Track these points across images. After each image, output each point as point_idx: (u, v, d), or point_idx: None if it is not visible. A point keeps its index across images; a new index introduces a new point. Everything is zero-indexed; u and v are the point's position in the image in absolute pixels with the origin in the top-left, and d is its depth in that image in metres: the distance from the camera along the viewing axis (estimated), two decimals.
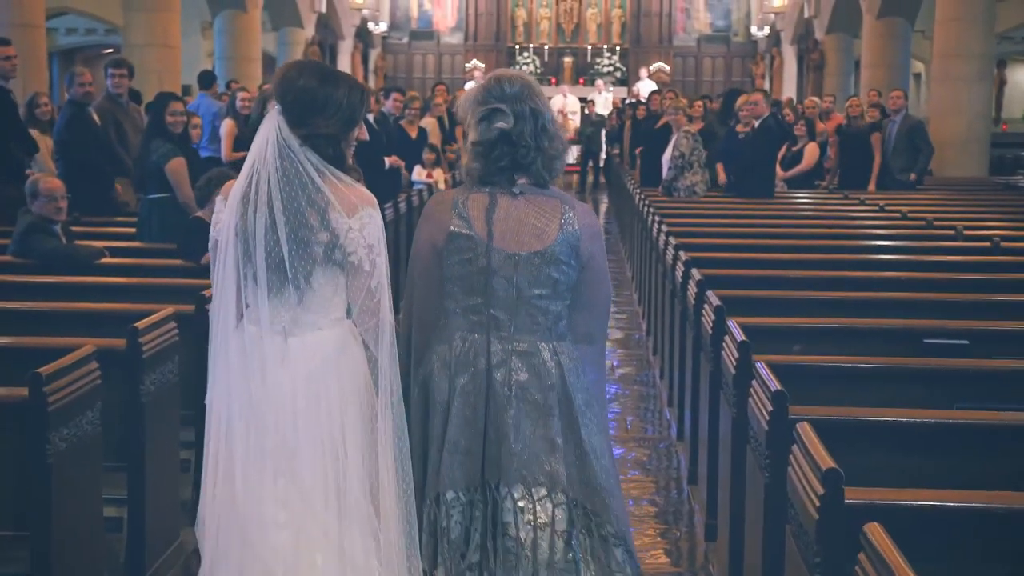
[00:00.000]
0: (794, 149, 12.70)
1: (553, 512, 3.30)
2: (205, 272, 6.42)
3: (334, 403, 3.24)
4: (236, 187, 3.31)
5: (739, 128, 11.40)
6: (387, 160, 10.94)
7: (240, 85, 14.75)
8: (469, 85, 25.03)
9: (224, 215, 3.31)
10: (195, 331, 5.22)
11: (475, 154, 3.42)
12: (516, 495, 3.29)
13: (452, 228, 3.40)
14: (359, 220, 3.25)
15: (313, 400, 3.23)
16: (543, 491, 3.30)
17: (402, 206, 10.29)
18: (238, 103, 11.74)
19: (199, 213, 6.84)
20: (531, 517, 3.28)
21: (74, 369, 4.02)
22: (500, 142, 3.38)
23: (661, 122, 13.41)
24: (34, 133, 9.55)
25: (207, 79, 13.83)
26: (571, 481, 3.33)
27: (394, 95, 12.21)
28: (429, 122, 13.13)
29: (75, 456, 3.98)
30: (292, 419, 3.22)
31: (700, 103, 13.79)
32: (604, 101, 26.24)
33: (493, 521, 3.29)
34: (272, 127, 3.25)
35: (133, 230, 7.93)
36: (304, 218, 3.21)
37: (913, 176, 12.86)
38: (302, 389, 3.23)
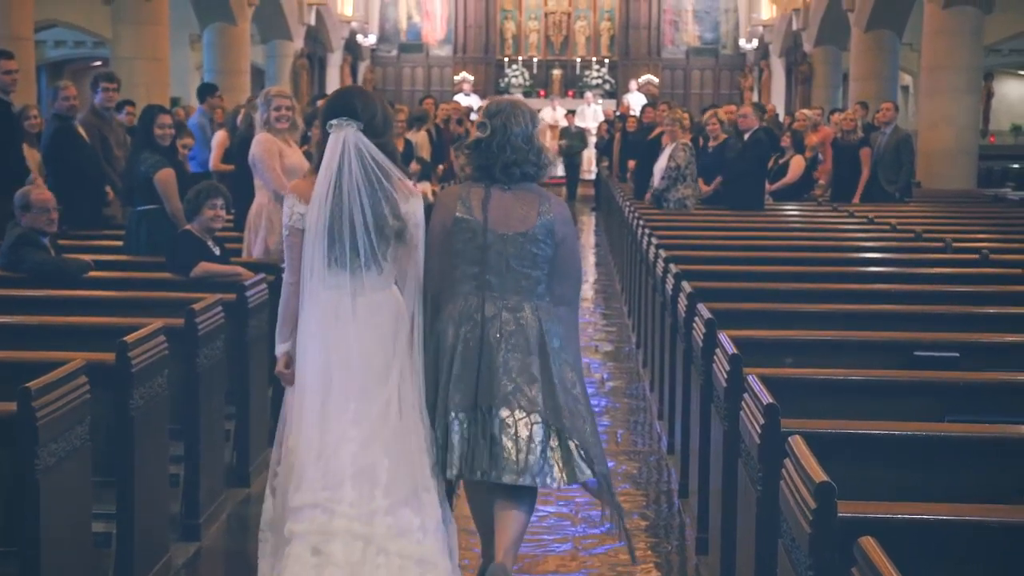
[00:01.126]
0: (780, 161, 12.72)
1: (531, 429, 4.26)
2: (194, 285, 6.41)
3: (390, 344, 4.28)
4: (318, 187, 4.26)
5: (711, 143, 11.50)
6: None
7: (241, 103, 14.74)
8: (459, 97, 25.06)
9: (310, 210, 4.27)
10: (184, 345, 5.21)
11: (468, 158, 4.53)
12: (503, 415, 4.25)
13: (457, 214, 4.42)
14: (411, 205, 4.33)
15: (377, 342, 4.27)
16: (523, 413, 4.26)
17: None
18: (238, 119, 11.71)
19: (188, 226, 6.82)
20: (514, 432, 4.25)
21: (63, 383, 4.00)
22: (476, 148, 4.48)
23: (655, 132, 13.42)
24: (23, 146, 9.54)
25: (211, 90, 13.83)
26: (545, 406, 4.28)
27: None
28: (419, 135, 13.10)
29: (64, 471, 3.96)
30: (361, 357, 4.23)
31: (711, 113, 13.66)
32: (593, 113, 26.26)
33: (485, 434, 4.25)
34: (351, 141, 4.25)
35: (121, 243, 7.91)
36: (380, 209, 4.24)
37: (897, 192, 12.89)
38: (368, 335, 4.26)
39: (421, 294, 4.39)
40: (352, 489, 4.15)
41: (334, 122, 4.31)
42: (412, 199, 4.34)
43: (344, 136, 4.26)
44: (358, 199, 4.22)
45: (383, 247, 4.27)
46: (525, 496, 4.39)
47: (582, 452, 4.30)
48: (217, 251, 6.83)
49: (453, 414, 4.28)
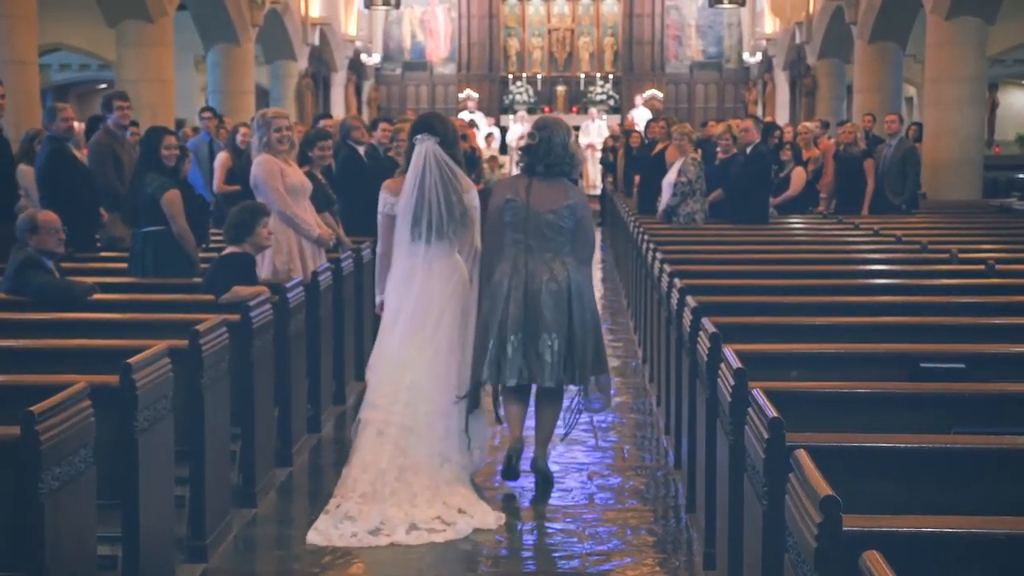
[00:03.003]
0: (781, 175, 12.72)
1: (560, 345, 6.10)
2: (204, 307, 6.41)
3: (445, 298, 6.07)
4: (407, 184, 6.06)
5: (719, 155, 11.48)
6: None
7: (241, 121, 14.76)
8: (463, 115, 25.11)
9: (400, 200, 6.09)
10: (189, 366, 5.21)
11: (521, 156, 6.45)
12: (545, 337, 6.09)
13: (508, 196, 6.24)
14: (470, 197, 6.16)
15: (436, 296, 6.06)
16: (555, 335, 6.10)
17: None
18: (238, 138, 11.74)
19: (236, 248, 6.85)
20: (551, 347, 6.09)
21: (67, 407, 4.00)
22: (527, 151, 6.33)
23: (659, 147, 13.40)
24: (28, 169, 9.56)
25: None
26: (569, 332, 6.12)
27: (382, 125, 12.20)
28: None
29: (68, 494, 3.96)
30: (434, 305, 6.05)
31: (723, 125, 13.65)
32: (598, 129, 26.29)
33: (532, 351, 6.09)
34: (431, 150, 6.03)
35: (124, 265, 7.91)
36: (450, 199, 6.02)
37: (903, 204, 12.89)
38: (438, 289, 6.07)
39: (477, 258, 6.26)
40: (406, 395, 5.96)
41: (418, 137, 6.08)
42: (471, 192, 6.18)
43: (426, 147, 6.05)
44: (435, 192, 6.00)
45: (451, 226, 6.05)
46: (555, 397, 6.33)
47: (588, 363, 6.18)
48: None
49: (512, 337, 6.07)
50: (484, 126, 26.37)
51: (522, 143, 6.45)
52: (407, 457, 5.88)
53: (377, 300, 6.34)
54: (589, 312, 6.20)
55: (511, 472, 6.26)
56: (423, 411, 5.96)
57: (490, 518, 5.78)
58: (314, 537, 5.55)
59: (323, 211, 8.50)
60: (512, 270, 6.14)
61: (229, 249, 6.94)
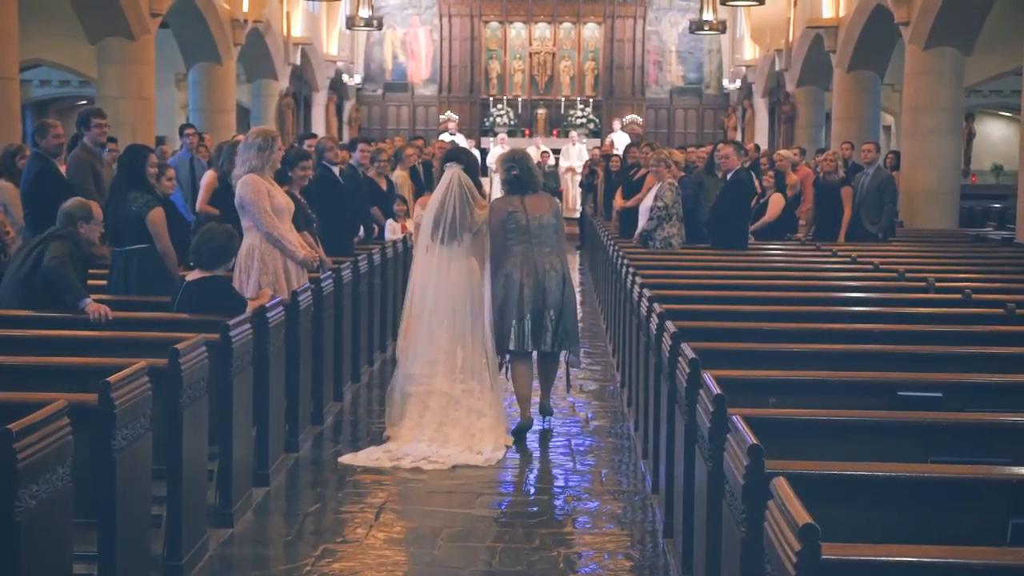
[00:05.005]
0: (761, 200, 12.78)
1: (556, 319, 7.88)
2: (184, 326, 6.40)
3: (465, 288, 7.79)
4: (433, 200, 7.93)
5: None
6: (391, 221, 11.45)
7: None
8: (444, 136, 25.14)
9: (427, 212, 7.93)
10: (168, 385, 5.19)
11: (503, 184, 8.20)
12: (550, 312, 7.86)
13: (509, 210, 7.94)
14: (482, 212, 7.88)
15: (458, 286, 7.78)
16: (554, 311, 7.86)
17: (376, 257, 10.28)
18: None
19: (212, 272, 6.90)
20: (553, 319, 7.86)
21: (45, 425, 3.97)
22: (515, 180, 8.06)
23: (639, 173, 13.47)
24: (7, 185, 9.50)
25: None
26: (562, 306, 7.91)
27: (361, 146, 12.21)
28: (400, 174, 13.13)
29: (45, 513, 3.93)
30: (454, 293, 7.76)
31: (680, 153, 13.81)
32: (578, 152, 26.35)
33: (542, 324, 7.86)
34: (456, 176, 7.84)
35: (104, 282, 7.88)
36: (464, 213, 7.78)
37: (880, 232, 12.97)
38: (453, 282, 7.77)
39: (488, 260, 7.92)
40: (443, 367, 7.70)
41: (448, 164, 7.99)
42: (482, 210, 7.92)
43: (453, 172, 7.88)
44: (453, 206, 7.79)
45: (464, 234, 7.83)
46: (553, 359, 8.17)
47: (570, 333, 8.02)
48: None
49: (528, 314, 7.83)
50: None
51: (512, 175, 8.05)
52: (448, 416, 7.53)
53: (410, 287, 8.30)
54: (572, 294, 8.09)
55: (520, 435, 7.89)
56: (460, 379, 7.67)
57: (500, 455, 7.37)
58: (348, 459, 7.29)
59: (303, 230, 8.50)
60: (524, 264, 7.85)
61: (200, 274, 6.91)
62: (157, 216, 7.57)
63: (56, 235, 6.91)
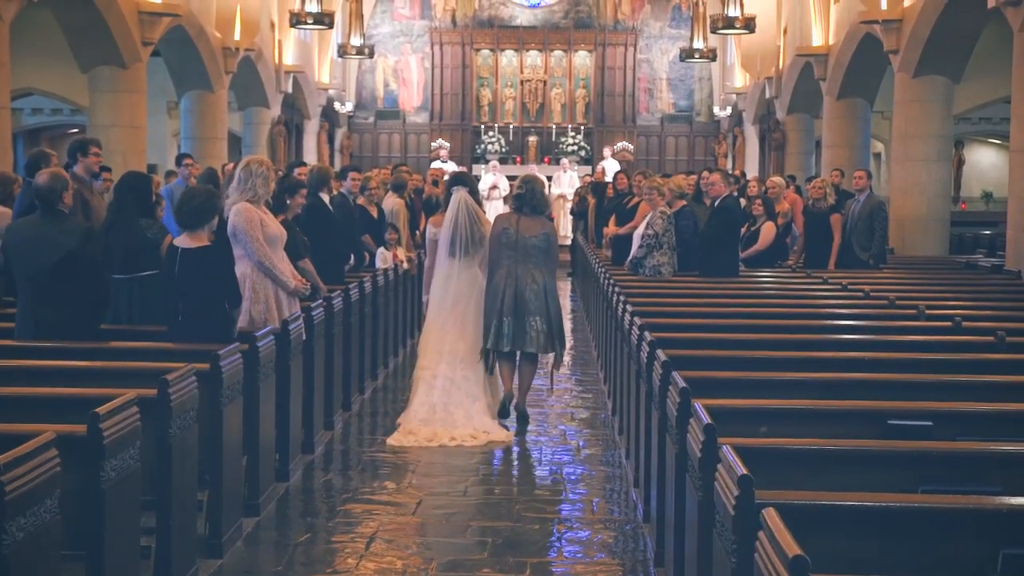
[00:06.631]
0: (752, 229, 12.81)
1: (540, 324, 8.91)
2: (174, 356, 6.38)
3: (472, 295, 9.08)
4: (446, 219, 9.16)
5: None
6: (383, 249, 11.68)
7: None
8: (436, 164, 25.18)
9: (442, 230, 9.21)
10: (157, 415, 5.18)
11: (513, 200, 9.32)
12: (530, 319, 8.88)
13: (504, 227, 9.01)
14: (486, 229, 9.09)
15: (466, 294, 9.09)
16: (539, 317, 8.91)
17: (367, 286, 10.28)
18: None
19: (197, 234, 7.02)
20: (535, 326, 8.91)
21: (33, 457, 3.95)
22: (518, 198, 9.16)
23: (632, 201, 13.49)
24: (4, 210, 9.47)
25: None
26: (544, 316, 8.92)
27: (351, 174, 12.21)
28: (396, 202, 13.10)
29: (33, 545, 3.91)
30: (461, 295, 9.08)
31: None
32: (569, 180, 26.40)
33: (521, 328, 8.87)
34: (463, 198, 9.08)
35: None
36: (474, 231, 9.06)
37: (871, 260, 13.00)
38: (466, 288, 9.10)
39: (487, 269, 9.02)
40: (447, 356, 9.00)
41: (455, 188, 9.21)
42: (486, 227, 9.13)
43: (460, 195, 9.11)
44: (464, 226, 9.05)
45: (473, 248, 9.07)
46: (533, 360, 9.17)
47: (553, 340, 9.04)
48: None
49: (507, 319, 8.88)
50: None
51: (517, 193, 9.19)
52: (451, 397, 8.87)
53: (424, 299, 9.89)
54: (557, 305, 9.13)
55: (504, 412, 9.08)
56: (460, 367, 8.98)
57: (502, 435, 8.72)
58: (391, 441, 8.56)
59: (301, 258, 8.56)
60: (507, 275, 8.93)
61: (188, 237, 7.00)
62: (169, 243, 7.59)
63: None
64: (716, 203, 11.26)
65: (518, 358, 9.10)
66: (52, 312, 6.98)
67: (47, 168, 8.60)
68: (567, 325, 11.93)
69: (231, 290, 7.06)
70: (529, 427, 9.10)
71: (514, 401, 9.09)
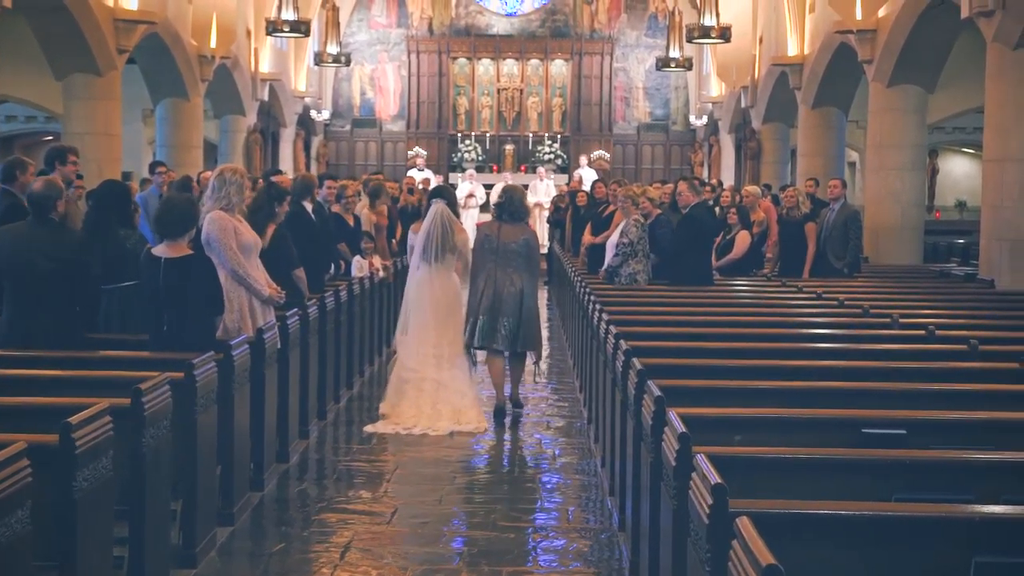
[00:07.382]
0: (728, 237, 12.84)
1: (511, 324, 9.63)
2: (147, 364, 6.36)
3: (448, 298, 9.75)
4: (423, 227, 9.81)
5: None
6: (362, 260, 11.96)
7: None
8: (412, 172, 25.19)
9: (419, 237, 9.85)
10: (130, 425, 5.15)
11: (494, 209, 10.12)
12: (504, 319, 9.63)
13: (486, 233, 9.86)
14: (462, 236, 9.87)
15: (441, 297, 9.70)
16: (512, 318, 9.62)
17: (343, 294, 10.26)
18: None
19: (180, 242, 6.98)
20: (508, 325, 9.63)
21: (4, 467, 3.92)
22: (499, 206, 9.94)
23: (608, 210, 13.52)
24: None
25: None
26: (519, 318, 9.64)
27: (327, 183, 12.18)
28: (370, 211, 13.06)
29: (4, 556, 3.88)
30: (439, 299, 9.68)
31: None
32: (546, 188, 26.43)
33: (496, 327, 9.62)
34: (441, 209, 9.74)
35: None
36: (447, 239, 9.69)
37: (845, 268, 13.06)
38: (440, 291, 9.69)
39: (469, 274, 9.71)
40: (432, 359, 9.53)
41: (434, 200, 9.93)
42: (462, 234, 9.83)
43: (438, 207, 9.75)
44: (438, 233, 9.65)
45: (445, 254, 9.67)
46: (521, 358, 9.86)
47: (528, 339, 9.71)
48: None
49: (483, 317, 9.58)
50: (434, 183, 26.48)
51: (498, 202, 9.97)
52: (439, 397, 9.43)
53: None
54: (534, 307, 9.76)
55: (498, 417, 9.67)
56: (446, 367, 9.57)
57: (484, 426, 9.32)
58: (369, 428, 9.21)
59: (296, 268, 8.96)
60: (488, 277, 9.64)
61: (167, 247, 6.93)
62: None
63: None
64: (685, 212, 11.31)
65: (506, 358, 9.89)
66: (45, 320, 6.94)
67: (39, 176, 8.61)
68: (543, 333, 11.97)
69: (216, 299, 7.03)
70: (504, 436, 9.10)
71: (509, 394, 9.88)
